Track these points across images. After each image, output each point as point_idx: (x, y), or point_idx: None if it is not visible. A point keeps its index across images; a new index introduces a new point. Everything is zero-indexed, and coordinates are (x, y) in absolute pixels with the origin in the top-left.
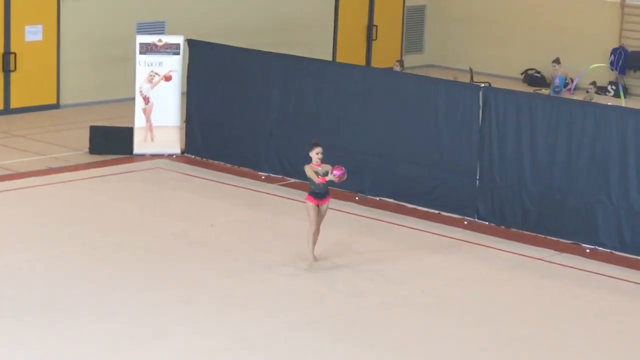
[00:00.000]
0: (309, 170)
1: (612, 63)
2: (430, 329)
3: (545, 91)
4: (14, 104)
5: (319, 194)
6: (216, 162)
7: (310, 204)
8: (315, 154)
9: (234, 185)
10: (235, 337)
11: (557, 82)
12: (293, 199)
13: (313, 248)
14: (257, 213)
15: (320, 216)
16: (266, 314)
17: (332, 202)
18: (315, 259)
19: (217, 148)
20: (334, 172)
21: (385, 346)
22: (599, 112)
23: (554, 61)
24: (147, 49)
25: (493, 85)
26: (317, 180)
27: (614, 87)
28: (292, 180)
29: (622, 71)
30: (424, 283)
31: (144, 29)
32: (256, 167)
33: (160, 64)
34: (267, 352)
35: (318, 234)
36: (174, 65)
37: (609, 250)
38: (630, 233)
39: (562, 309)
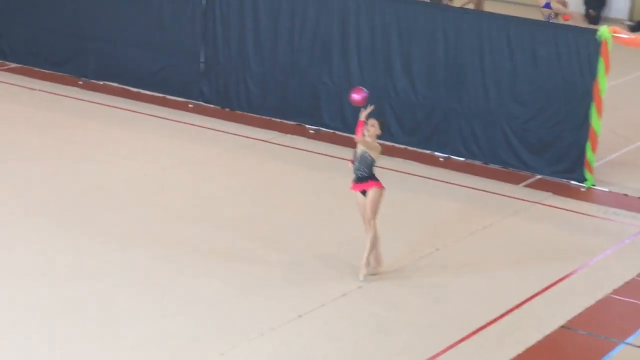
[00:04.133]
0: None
1: None
2: (148, 212)
3: None
4: None
5: (355, 177)
6: None
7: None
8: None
9: None
10: None
11: None
12: (12, 84)
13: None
14: None
15: (361, 207)
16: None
17: (54, 87)
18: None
19: None
20: (354, 95)
21: (102, 230)
22: None
23: None
24: None
25: None
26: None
27: None
28: (12, 64)
29: None
30: (148, 166)
31: None
32: None
33: None
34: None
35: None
36: None
37: (331, 131)
38: (352, 113)
39: (284, 189)
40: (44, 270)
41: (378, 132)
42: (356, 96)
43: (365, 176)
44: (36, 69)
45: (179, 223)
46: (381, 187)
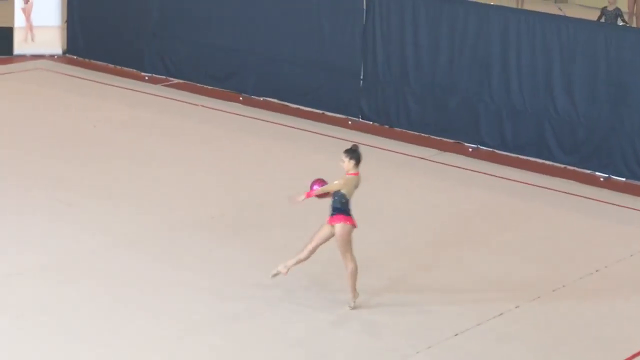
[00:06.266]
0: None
1: None
2: (308, 227)
3: None
4: None
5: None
6: (98, 62)
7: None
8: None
9: (117, 86)
10: (115, 235)
11: None
12: (176, 99)
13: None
14: (139, 113)
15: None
16: (146, 216)
17: (215, 102)
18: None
19: (99, 48)
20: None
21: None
22: (480, 11)
23: None
24: None
25: None
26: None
27: None
28: (175, 80)
29: None
30: (306, 183)
31: None
32: (139, 67)
33: None
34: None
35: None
36: None
37: (490, 149)
38: (511, 132)
39: (445, 208)
40: (206, 283)
41: (350, 165)
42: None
43: (338, 208)
44: (198, 84)
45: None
46: (351, 223)
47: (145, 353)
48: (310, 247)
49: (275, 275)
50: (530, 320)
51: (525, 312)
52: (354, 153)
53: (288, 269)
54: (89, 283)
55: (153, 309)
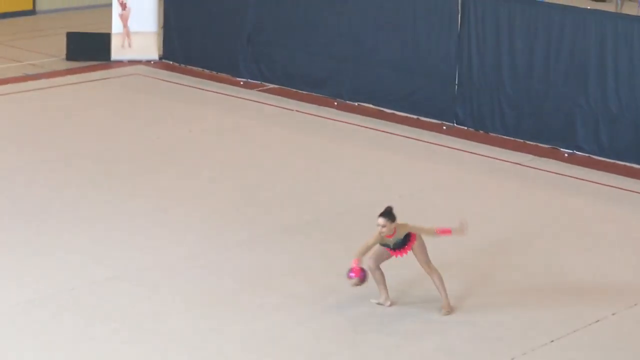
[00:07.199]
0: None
1: None
2: None
3: None
4: None
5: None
6: (194, 67)
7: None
8: (377, 225)
9: (213, 91)
10: (210, 244)
11: None
12: (271, 105)
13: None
14: (235, 119)
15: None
16: (244, 221)
17: (310, 107)
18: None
19: (195, 54)
20: (350, 274)
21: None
22: (577, 16)
23: None
24: None
25: None
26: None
27: None
28: (271, 85)
29: None
30: (402, 188)
31: None
32: (234, 72)
33: None
34: (239, 258)
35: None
36: None
37: (587, 155)
38: (608, 137)
39: (539, 214)
40: (302, 289)
41: (392, 227)
42: (352, 275)
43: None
44: (293, 89)
45: (433, 244)
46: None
47: (251, 355)
48: (372, 267)
49: (380, 304)
50: (628, 327)
51: (623, 319)
52: (390, 215)
53: (387, 298)
54: (186, 286)
55: (250, 309)
